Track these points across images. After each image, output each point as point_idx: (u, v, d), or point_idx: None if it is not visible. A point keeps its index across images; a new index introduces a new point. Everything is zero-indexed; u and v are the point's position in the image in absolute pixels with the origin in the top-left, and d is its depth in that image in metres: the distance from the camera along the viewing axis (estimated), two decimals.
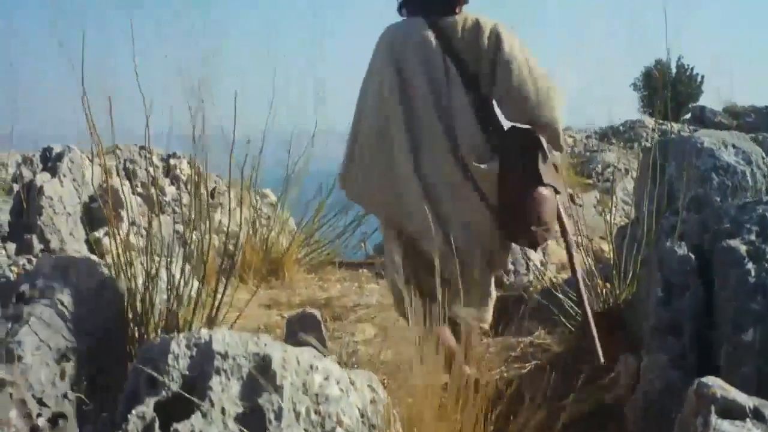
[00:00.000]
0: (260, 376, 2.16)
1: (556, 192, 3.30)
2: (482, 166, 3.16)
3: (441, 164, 3.21)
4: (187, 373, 2.21)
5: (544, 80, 3.21)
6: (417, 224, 3.19)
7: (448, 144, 3.19)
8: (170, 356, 2.22)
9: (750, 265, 3.03)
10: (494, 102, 3.30)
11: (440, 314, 2.82)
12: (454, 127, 3.20)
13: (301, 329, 3.50)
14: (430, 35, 3.24)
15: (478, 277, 3.21)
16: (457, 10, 3.30)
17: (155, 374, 2.20)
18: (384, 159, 3.31)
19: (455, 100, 3.20)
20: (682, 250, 3.33)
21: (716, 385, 2.45)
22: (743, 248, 3.13)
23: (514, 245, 3.90)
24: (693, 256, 3.28)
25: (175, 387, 2.18)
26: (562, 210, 3.39)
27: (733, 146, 4.87)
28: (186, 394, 2.16)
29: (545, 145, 3.32)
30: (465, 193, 3.21)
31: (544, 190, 3.22)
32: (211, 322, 3.62)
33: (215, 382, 2.16)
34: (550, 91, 3.20)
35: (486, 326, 3.53)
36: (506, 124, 3.34)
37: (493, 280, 3.49)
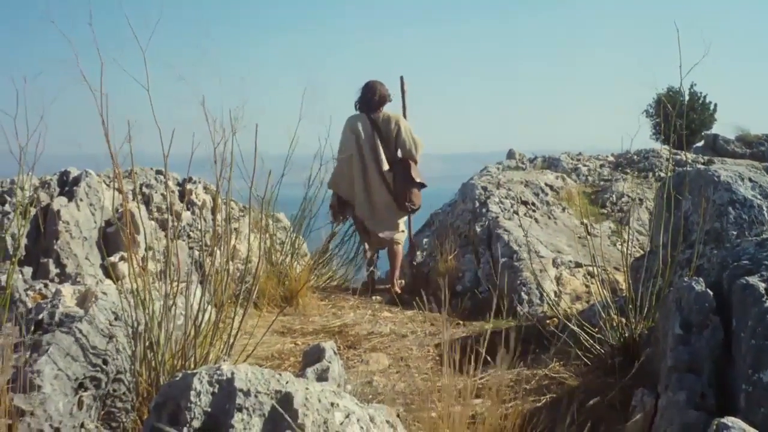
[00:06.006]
0: (282, 414, 2.16)
1: (422, 185, 7.30)
2: (387, 173, 7.18)
3: (376, 177, 7.14)
4: (209, 410, 2.21)
5: (415, 142, 7.23)
6: (359, 206, 7.18)
7: (376, 168, 7.13)
8: (192, 393, 2.22)
9: None
10: (398, 150, 7.28)
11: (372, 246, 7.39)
12: (379, 161, 7.13)
13: (317, 361, 3.50)
14: (368, 123, 7.19)
15: (389, 221, 7.24)
16: (380, 110, 7.24)
17: (177, 411, 2.20)
18: (348, 173, 7.19)
19: (378, 151, 7.14)
20: (699, 286, 3.31)
21: (737, 426, 2.44)
22: (762, 285, 3.10)
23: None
24: (711, 293, 3.26)
25: (196, 424, 2.18)
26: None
27: (750, 180, 4.86)
28: None
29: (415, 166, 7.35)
30: (383, 189, 7.16)
31: (416, 190, 7.21)
32: (227, 351, 3.62)
33: (237, 419, 2.16)
34: (418, 146, 7.25)
35: (400, 242, 7.42)
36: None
37: (400, 222, 7.37)
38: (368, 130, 7.14)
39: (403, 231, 7.43)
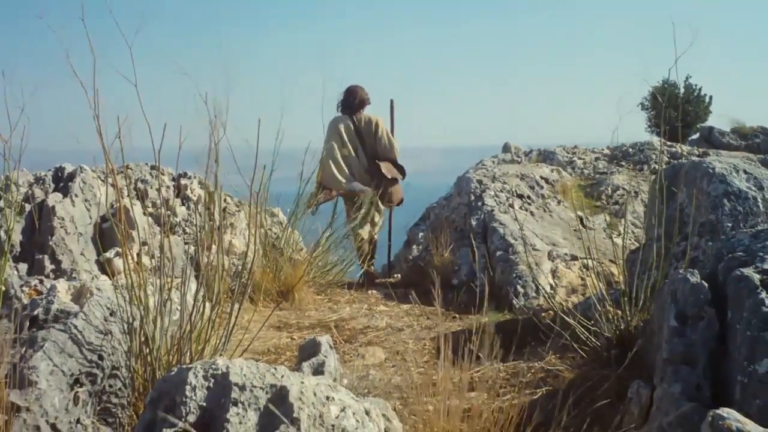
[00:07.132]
0: (278, 408, 2.15)
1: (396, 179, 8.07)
2: (365, 174, 7.95)
3: (361, 173, 7.90)
4: (204, 404, 2.20)
5: (392, 142, 8.07)
6: (356, 185, 7.80)
7: (359, 166, 7.89)
8: (187, 387, 2.21)
9: (764, 295, 2.99)
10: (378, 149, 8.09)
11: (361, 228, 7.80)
12: (360, 160, 7.91)
13: (312, 355, 3.50)
14: (350, 123, 8.01)
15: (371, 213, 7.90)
16: (361, 111, 8.09)
17: (172, 406, 2.19)
18: (337, 165, 7.79)
19: (360, 151, 7.95)
20: (695, 278, 3.31)
21: (732, 417, 2.43)
22: (757, 277, 3.10)
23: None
24: (706, 285, 3.27)
25: (192, 418, 2.17)
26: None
27: (745, 172, 4.86)
28: (203, 426, 2.15)
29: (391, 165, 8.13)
30: (367, 181, 7.82)
31: (395, 185, 8.02)
32: (223, 346, 3.62)
33: (232, 413, 2.16)
34: (394, 147, 8.05)
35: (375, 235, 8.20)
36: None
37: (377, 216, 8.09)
38: (350, 131, 7.99)
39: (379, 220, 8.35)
